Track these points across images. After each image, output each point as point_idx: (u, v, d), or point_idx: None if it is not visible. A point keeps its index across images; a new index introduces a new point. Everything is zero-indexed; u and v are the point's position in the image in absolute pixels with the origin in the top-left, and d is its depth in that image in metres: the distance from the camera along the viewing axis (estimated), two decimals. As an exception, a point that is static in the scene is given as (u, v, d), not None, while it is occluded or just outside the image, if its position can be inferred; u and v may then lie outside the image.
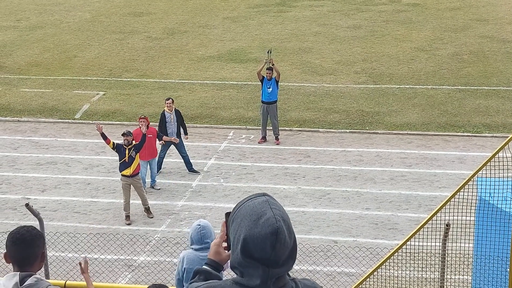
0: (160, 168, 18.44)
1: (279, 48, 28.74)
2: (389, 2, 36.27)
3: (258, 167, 18.95)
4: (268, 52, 20.57)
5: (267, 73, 20.02)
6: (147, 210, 16.24)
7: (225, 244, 3.07)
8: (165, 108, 18.35)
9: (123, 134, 15.91)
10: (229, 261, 2.86)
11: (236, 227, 2.74)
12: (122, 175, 15.94)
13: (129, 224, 15.85)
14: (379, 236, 15.21)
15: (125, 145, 15.82)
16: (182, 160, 18.52)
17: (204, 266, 3.10)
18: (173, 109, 18.30)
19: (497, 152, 9.00)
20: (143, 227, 15.84)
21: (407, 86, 24.59)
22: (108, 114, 22.61)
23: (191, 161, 18.56)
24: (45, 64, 27.66)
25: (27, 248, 4.53)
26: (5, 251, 4.61)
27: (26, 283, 4.43)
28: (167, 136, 18.03)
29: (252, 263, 2.69)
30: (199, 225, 7.83)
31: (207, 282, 2.90)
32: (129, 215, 15.99)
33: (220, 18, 33.90)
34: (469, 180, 9.36)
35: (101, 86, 25.18)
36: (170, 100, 18.41)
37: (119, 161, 16.02)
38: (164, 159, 18.52)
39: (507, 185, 10.04)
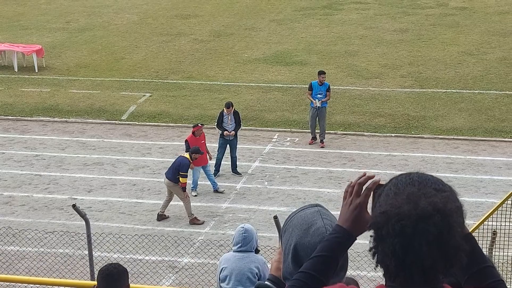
0: (218, 171, 18.58)
1: (325, 51, 28.66)
2: (437, 5, 35.88)
3: (303, 170, 18.94)
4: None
5: (321, 78, 20.17)
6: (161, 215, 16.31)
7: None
8: (224, 109, 18.65)
9: (197, 153, 16.14)
10: None
11: (288, 236, 2.76)
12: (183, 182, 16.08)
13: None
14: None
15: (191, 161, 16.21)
16: (229, 162, 18.66)
17: (266, 282, 3.09)
18: (231, 111, 18.53)
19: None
20: (187, 229, 15.95)
21: (453, 91, 24.31)
22: (154, 116, 22.83)
23: (237, 163, 18.72)
24: (93, 65, 28.06)
25: (114, 282, 5.70)
26: (96, 285, 5.89)
27: None
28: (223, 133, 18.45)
29: None
30: (243, 227, 8.21)
31: None
32: (195, 216, 16.12)
33: (266, 21, 33.96)
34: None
35: (147, 88, 25.44)
36: (230, 108, 18.52)
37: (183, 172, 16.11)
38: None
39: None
